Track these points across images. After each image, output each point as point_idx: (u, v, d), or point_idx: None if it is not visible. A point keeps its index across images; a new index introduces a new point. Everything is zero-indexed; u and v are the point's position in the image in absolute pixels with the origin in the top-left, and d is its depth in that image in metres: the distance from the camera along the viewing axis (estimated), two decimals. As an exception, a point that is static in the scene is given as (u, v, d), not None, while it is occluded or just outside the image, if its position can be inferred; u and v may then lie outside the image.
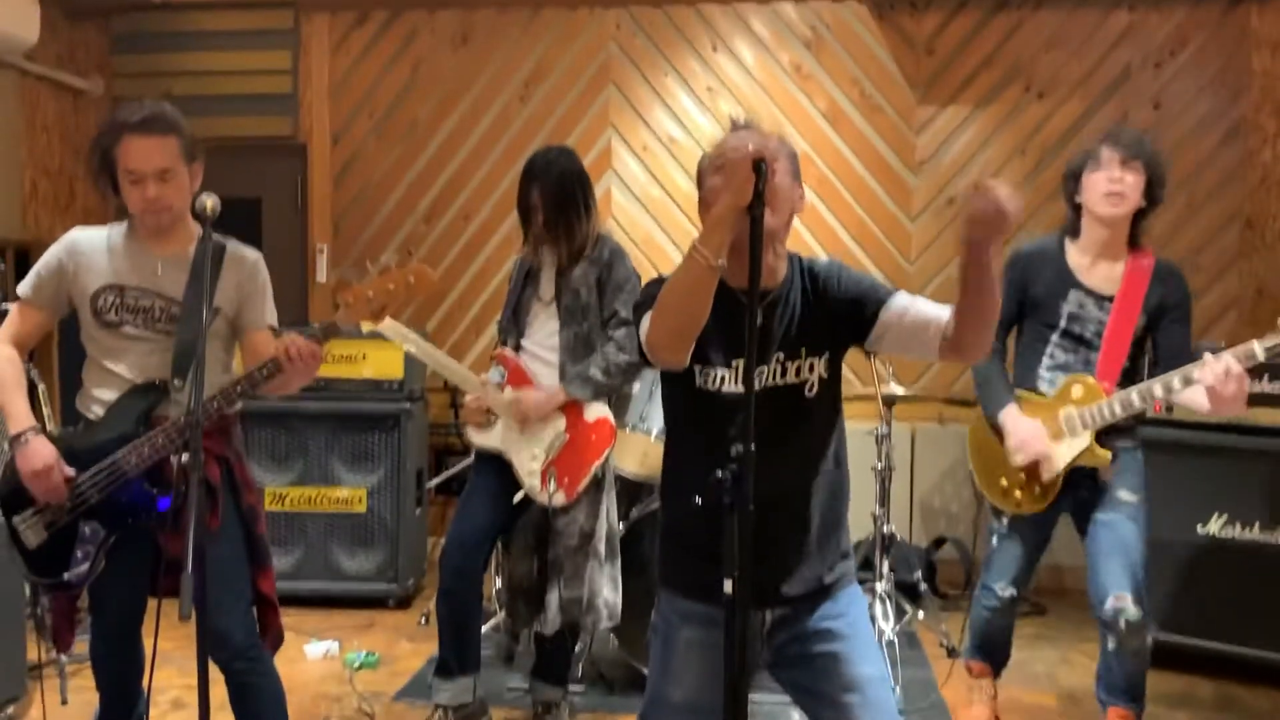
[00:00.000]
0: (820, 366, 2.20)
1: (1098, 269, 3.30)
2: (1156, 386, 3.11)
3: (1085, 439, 3.23)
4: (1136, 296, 3.25)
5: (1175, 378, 3.06)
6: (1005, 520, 3.46)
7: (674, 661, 2.24)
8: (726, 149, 2.11)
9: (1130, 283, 3.26)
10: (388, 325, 3.49)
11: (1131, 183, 3.19)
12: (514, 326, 3.66)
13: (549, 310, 3.58)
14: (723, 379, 2.16)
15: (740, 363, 2.14)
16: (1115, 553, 3.23)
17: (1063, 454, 3.27)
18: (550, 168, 3.47)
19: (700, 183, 2.21)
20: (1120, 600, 3.19)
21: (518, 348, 3.65)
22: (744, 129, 2.20)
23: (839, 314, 2.19)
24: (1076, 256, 3.33)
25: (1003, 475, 3.41)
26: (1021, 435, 3.28)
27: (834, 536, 2.25)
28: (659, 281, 2.20)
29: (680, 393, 2.21)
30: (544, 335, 3.60)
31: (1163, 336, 3.29)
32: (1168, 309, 3.27)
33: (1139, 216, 3.28)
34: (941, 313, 2.12)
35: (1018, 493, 3.38)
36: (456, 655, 3.57)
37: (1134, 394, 3.16)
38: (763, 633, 2.22)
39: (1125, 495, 3.28)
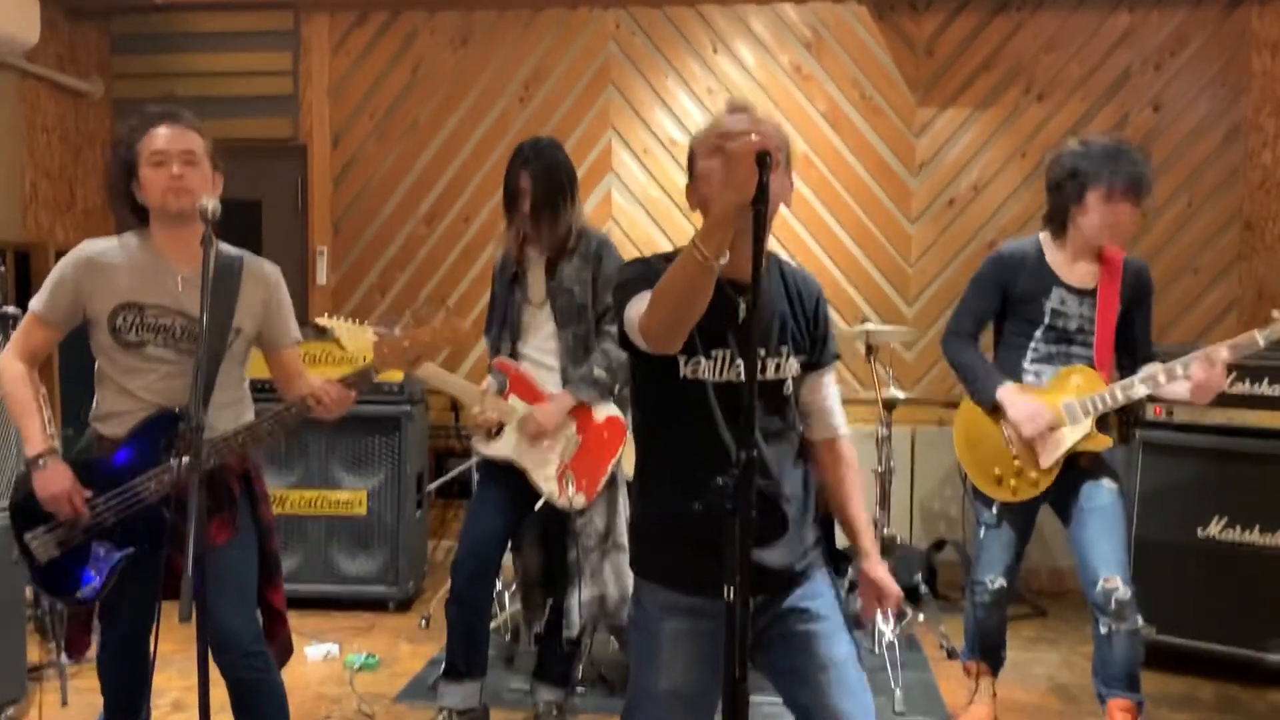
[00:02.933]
0: (795, 366, 2.22)
1: (1076, 267, 3.44)
2: (1160, 374, 3.29)
3: (1086, 425, 3.35)
4: (1114, 290, 3.41)
5: (1177, 365, 3.27)
6: (994, 510, 3.51)
7: (659, 653, 2.24)
8: (723, 132, 2.05)
9: (1107, 277, 3.41)
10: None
11: (1134, 215, 3.35)
12: (507, 334, 3.64)
13: (542, 313, 3.56)
14: (706, 368, 2.14)
15: (720, 353, 2.13)
16: (1104, 537, 3.36)
17: (1064, 440, 3.37)
18: (541, 155, 3.47)
19: (691, 164, 2.17)
20: (1111, 581, 3.30)
21: (514, 355, 3.63)
22: (740, 111, 2.14)
23: (812, 328, 2.27)
24: (1055, 254, 3.46)
25: (996, 465, 3.46)
26: (1027, 409, 3.37)
27: (807, 523, 2.29)
28: (642, 262, 2.18)
29: (661, 384, 2.16)
30: (540, 339, 3.58)
31: (1130, 328, 3.46)
32: (1138, 301, 3.45)
33: None
34: (831, 419, 2.34)
35: (1012, 481, 3.44)
36: (465, 660, 3.59)
37: (1137, 382, 3.33)
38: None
39: (1109, 483, 3.42)
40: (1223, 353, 3.19)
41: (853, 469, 2.38)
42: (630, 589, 3.56)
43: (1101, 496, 3.39)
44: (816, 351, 2.28)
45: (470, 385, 3.68)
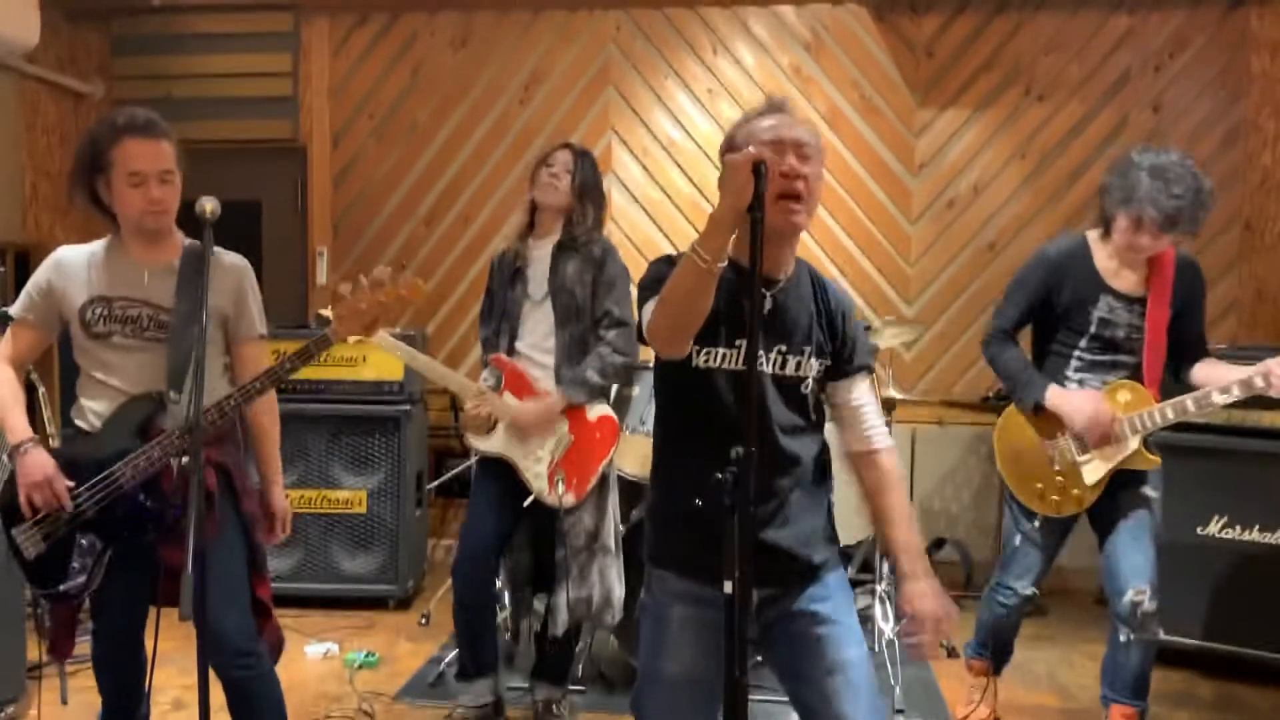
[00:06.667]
0: (816, 368, 2.22)
1: (1125, 272, 3.31)
2: (1215, 394, 3.14)
3: (1134, 443, 3.25)
4: (1165, 294, 3.27)
5: (1234, 385, 3.12)
6: (1036, 524, 3.44)
7: (668, 638, 2.26)
8: (758, 131, 2.13)
9: (1157, 282, 3.27)
10: (379, 337, 3.42)
11: (1162, 243, 3.21)
12: (505, 329, 3.65)
13: (541, 310, 3.58)
14: (723, 358, 2.16)
15: (743, 343, 2.13)
16: (1137, 547, 3.26)
17: (1111, 458, 3.28)
18: (583, 149, 3.62)
19: (723, 156, 2.18)
20: (1140, 593, 3.22)
21: (510, 351, 3.64)
22: (777, 112, 2.17)
23: (834, 340, 2.25)
24: (1104, 259, 3.32)
25: (1039, 480, 3.39)
26: (1087, 413, 3.24)
27: (821, 522, 2.28)
28: (666, 261, 2.19)
29: (675, 372, 2.19)
30: (538, 337, 3.59)
31: (1184, 329, 3.33)
32: (1190, 302, 3.32)
33: None
34: (873, 432, 2.29)
35: (1055, 496, 3.37)
36: (474, 659, 3.63)
37: (1189, 401, 3.18)
38: (752, 610, 2.23)
39: (1149, 491, 3.31)
40: None
41: (891, 483, 2.29)
42: (618, 590, 3.59)
43: (1140, 505, 3.29)
44: (841, 362, 2.26)
45: (466, 380, 3.74)
